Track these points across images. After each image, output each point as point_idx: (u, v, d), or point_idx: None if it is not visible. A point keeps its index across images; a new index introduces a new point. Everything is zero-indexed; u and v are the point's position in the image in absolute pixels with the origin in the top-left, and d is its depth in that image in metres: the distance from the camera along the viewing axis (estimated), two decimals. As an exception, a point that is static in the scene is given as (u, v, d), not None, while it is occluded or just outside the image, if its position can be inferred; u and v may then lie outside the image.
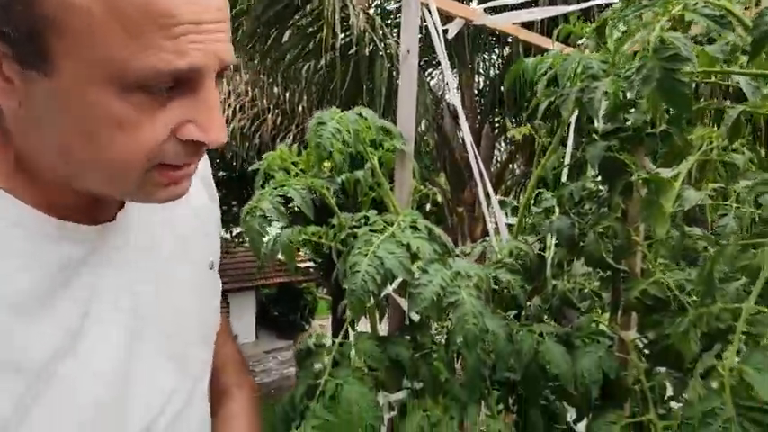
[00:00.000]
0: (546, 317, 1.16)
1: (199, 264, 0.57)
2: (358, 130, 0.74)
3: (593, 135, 0.78)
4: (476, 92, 4.61)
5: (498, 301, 1.02)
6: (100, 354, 0.45)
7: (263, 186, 0.76)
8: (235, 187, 7.22)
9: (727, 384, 0.46)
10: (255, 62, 3.65)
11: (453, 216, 4.55)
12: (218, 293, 0.60)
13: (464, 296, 0.67)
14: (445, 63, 1.09)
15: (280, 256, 0.88)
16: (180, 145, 0.40)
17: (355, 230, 0.76)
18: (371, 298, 0.65)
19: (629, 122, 0.80)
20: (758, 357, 0.45)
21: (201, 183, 0.57)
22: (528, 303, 1.18)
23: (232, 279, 9.54)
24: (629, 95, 0.80)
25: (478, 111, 4.49)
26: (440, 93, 4.71)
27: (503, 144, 5.49)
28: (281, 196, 0.71)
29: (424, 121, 4.84)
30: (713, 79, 0.83)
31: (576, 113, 0.93)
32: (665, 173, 0.92)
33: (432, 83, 4.96)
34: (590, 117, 0.85)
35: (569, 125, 0.92)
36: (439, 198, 0.97)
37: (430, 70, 4.89)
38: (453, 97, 1.27)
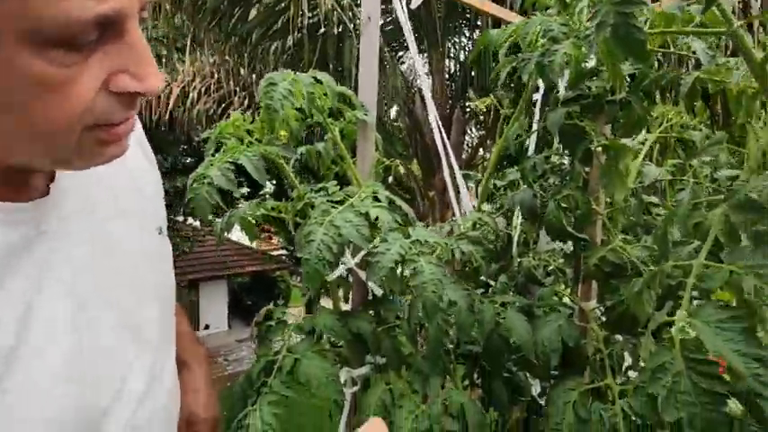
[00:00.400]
0: (512, 293, 1.16)
1: (146, 229, 0.54)
2: (313, 93, 0.70)
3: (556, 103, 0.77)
4: (447, 76, 4.60)
5: (464, 278, 1.01)
6: (50, 330, 0.42)
7: (214, 155, 0.72)
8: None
9: (676, 339, 0.46)
10: (220, 43, 3.53)
11: (425, 201, 4.56)
12: (170, 258, 0.58)
13: (423, 264, 0.65)
14: (408, 32, 1.06)
15: (251, 244, 0.85)
16: (114, 98, 0.37)
17: (313, 201, 0.73)
18: (328, 268, 0.62)
19: (591, 90, 0.80)
20: (707, 311, 0.45)
21: (136, 143, 0.53)
22: (495, 281, 1.18)
23: (203, 268, 9.35)
24: (591, 63, 0.80)
25: (449, 95, 4.49)
26: (411, 78, 4.68)
27: (474, 130, 5.51)
28: (231, 163, 0.67)
29: (395, 107, 4.80)
30: (672, 49, 0.83)
31: (543, 86, 0.93)
32: (625, 142, 0.93)
33: (403, 67, 4.92)
34: (553, 85, 0.84)
35: (533, 94, 0.91)
36: (401, 169, 0.94)
37: (401, 54, 4.84)
38: (419, 69, 1.24)
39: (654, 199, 0.88)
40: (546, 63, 0.67)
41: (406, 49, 4.91)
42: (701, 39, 0.74)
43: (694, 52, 0.76)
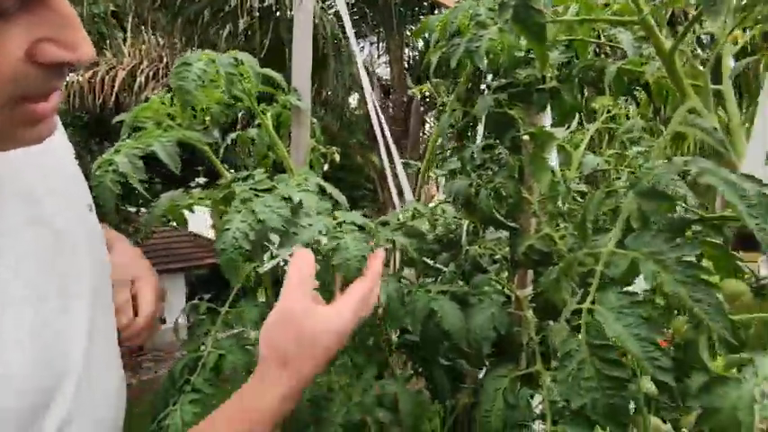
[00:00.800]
0: (461, 282, 1.17)
1: (77, 207, 0.54)
2: (233, 74, 0.67)
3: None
4: (406, 65, 4.58)
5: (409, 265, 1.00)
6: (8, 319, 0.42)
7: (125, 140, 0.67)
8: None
9: (583, 325, 0.46)
10: (167, 23, 3.36)
11: (384, 192, 4.55)
12: (103, 237, 0.58)
13: (348, 240, 0.63)
14: (347, 21, 1.03)
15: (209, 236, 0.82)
16: (40, 70, 0.34)
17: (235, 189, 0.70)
18: (242, 256, 0.59)
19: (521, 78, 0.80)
20: (611, 298, 0.46)
21: None
22: (445, 270, 1.19)
23: (160, 260, 9.03)
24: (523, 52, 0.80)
25: (407, 85, 4.47)
26: (371, 65, 4.63)
27: (433, 120, 5.53)
28: (140, 149, 0.63)
29: (356, 95, 4.74)
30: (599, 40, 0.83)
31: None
32: (559, 132, 0.94)
33: (362, 55, 4.86)
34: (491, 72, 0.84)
35: (471, 81, 0.90)
36: (337, 158, 0.92)
37: (360, 41, 4.78)
38: (357, 57, 1.20)
39: (583, 187, 0.90)
40: (473, 49, 0.66)
41: (365, 36, 4.85)
42: (626, 29, 0.75)
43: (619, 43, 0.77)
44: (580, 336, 0.46)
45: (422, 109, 4.50)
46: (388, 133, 1.07)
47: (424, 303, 0.82)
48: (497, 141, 0.78)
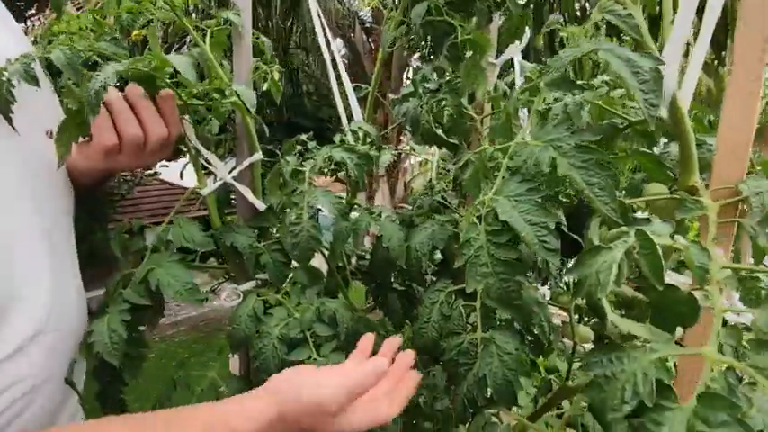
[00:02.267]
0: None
1: (40, 129, 0.57)
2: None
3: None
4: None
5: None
6: None
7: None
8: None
9: (483, 215, 0.46)
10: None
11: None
12: (64, 168, 0.60)
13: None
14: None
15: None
16: None
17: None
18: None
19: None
20: (511, 186, 0.45)
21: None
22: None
23: (148, 214, 8.97)
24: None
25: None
26: (349, 3, 4.43)
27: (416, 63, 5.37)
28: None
29: (339, 40, 4.56)
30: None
31: None
32: (511, 49, 0.90)
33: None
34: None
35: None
36: (276, 75, 0.88)
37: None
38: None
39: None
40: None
41: (346, -26, 4.61)
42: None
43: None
44: (480, 224, 0.46)
45: (405, 53, 4.36)
46: (338, 57, 1.03)
47: (365, 225, 0.82)
48: (436, 53, 0.75)
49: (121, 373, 0.84)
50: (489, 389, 0.57)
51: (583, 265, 0.37)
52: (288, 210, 0.85)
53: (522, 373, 0.54)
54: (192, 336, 5.69)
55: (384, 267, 0.91)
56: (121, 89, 0.66)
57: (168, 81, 0.69)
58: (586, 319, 0.77)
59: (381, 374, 0.54)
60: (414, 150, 1.86)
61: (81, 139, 0.65)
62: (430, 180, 1.66)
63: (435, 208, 1.13)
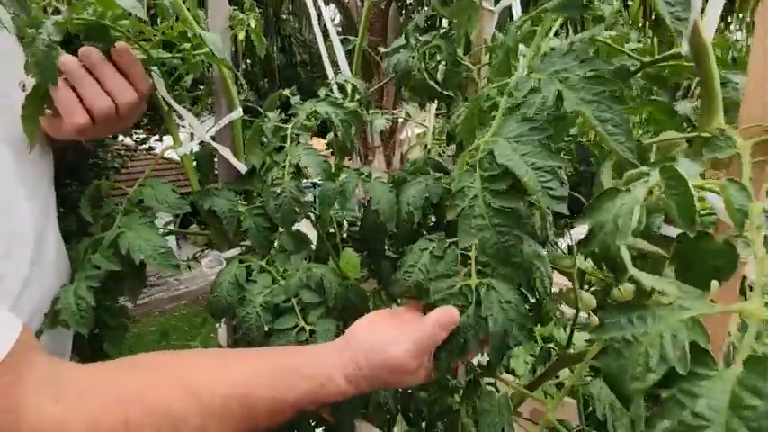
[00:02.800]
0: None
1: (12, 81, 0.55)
2: None
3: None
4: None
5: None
6: None
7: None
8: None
9: (478, 159, 0.40)
10: None
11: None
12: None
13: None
14: None
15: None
16: None
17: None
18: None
19: None
20: (510, 126, 0.40)
21: None
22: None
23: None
24: None
25: (385, -11, 4.13)
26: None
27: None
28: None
29: (332, 5, 4.39)
30: None
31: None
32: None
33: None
34: None
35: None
36: (253, 23, 0.81)
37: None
38: None
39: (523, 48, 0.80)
40: None
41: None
42: None
43: None
44: (476, 171, 0.40)
45: (401, 18, 4.21)
46: (330, 24, 0.95)
47: (353, 185, 0.76)
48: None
49: (102, 345, 0.80)
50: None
51: (597, 210, 0.31)
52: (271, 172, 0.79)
53: (522, 330, 0.48)
54: (193, 309, 5.71)
55: (375, 233, 0.86)
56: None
57: (124, 31, 0.62)
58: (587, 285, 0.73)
59: (453, 325, 0.50)
60: (409, 116, 1.79)
61: (48, 113, 0.60)
62: (425, 146, 1.60)
63: (432, 164, 1.06)
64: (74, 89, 0.58)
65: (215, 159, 0.94)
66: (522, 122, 0.39)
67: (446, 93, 0.74)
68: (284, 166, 0.71)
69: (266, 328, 0.72)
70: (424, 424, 0.92)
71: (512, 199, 0.38)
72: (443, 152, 1.34)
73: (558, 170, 0.37)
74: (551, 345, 0.86)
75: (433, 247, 0.65)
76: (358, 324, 0.54)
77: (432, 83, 0.73)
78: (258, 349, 0.53)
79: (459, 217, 0.39)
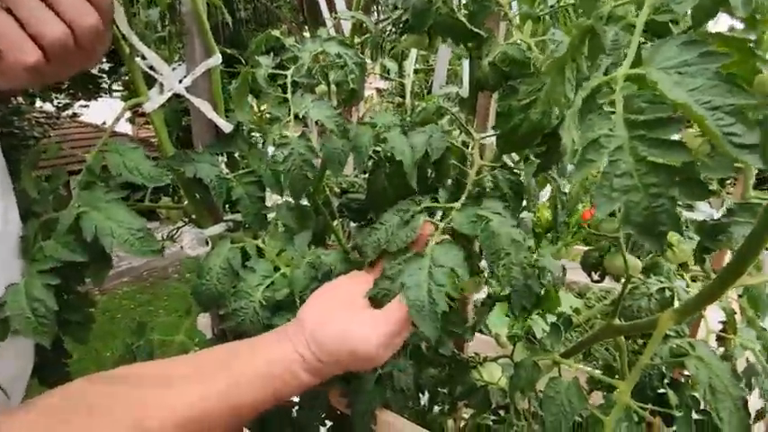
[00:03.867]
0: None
1: None
2: None
3: None
4: None
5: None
6: None
7: None
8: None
9: (618, 99, 0.30)
10: None
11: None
12: None
13: None
14: None
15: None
16: None
17: None
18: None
19: None
20: (666, 52, 0.29)
21: None
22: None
23: (67, 160, 8.09)
24: None
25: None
26: None
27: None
28: None
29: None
30: None
31: None
32: None
33: None
34: None
35: None
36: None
37: None
38: None
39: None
40: None
41: None
42: None
43: None
44: (614, 115, 0.30)
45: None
46: None
47: (368, 139, 0.63)
48: None
49: (62, 343, 0.65)
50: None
51: None
52: (267, 130, 0.64)
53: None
54: (137, 287, 5.38)
55: (383, 198, 0.73)
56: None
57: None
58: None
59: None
60: (387, 72, 1.64)
61: None
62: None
63: (440, 112, 0.94)
64: (15, 17, 0.41)
65: (183, 118, 0.78)
66: (688, 46, 0.29)
67: (476, 30, 0.62)
68: (288, 121, 0.57)
69: (262, 324, 0.60)
70: (446, 405, 0.85)
71: (675, 151, 0.28)
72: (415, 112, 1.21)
73: (744, 110, 0.27)
74: (571, 312, 0.80)
75: (406, 211, 0.57)
76: (311, 308, 0.52)
77: (461, 17, 0.60)
78: (207, 356, 0.48)
79: (602, 176, 0.29)
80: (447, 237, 0.53)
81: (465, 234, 0.53)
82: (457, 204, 0.57)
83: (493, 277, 0.74)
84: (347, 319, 0.49)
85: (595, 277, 0.67)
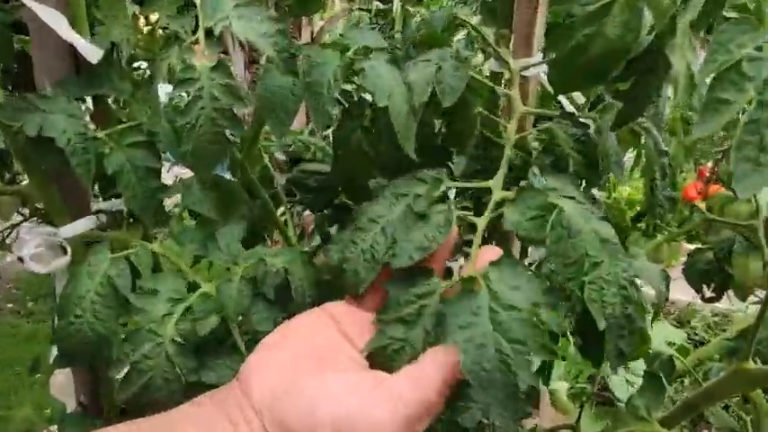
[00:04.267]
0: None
1: None
2: None
3: None
4: None
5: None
6: None
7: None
8: None
9: None
10: None
11: None
12: None
13: None
14: None
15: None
16: None
17: None
18: None
19: None
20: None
21: None
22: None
23: None
24: None
25: None
26: None
27: None
28: None
29: None
30: None
31: None
32: None
33: None
34: None
35: None
36: None
37: None
38: None
39: None
40: None
41: None
42: None
43: None
44: None
45: None
46: None
47: (334, 70, 0.37)
48: None
49: None
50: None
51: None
52: (160, 57, 0.36)
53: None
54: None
55: (360, 168, 0.47)
56: None
57: None
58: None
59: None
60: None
61: None
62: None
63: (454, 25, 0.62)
64: None
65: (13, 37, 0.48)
66: None
67: None
68: (195, 42, 0.31)
69: (184, 381, 0.35)
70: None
71: None
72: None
73: None
74: (672, 353, 0.57)
75: (417, 195, 0.34)
76: (261, 367, 0.31)
77: None
78: None
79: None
80: (496, 248, 0.30)
81: (526, 237, 0.29)
82: (495, 183, 0.33)
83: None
84: (335, 388, 0.29)
85: (708, 294, 0.45)
